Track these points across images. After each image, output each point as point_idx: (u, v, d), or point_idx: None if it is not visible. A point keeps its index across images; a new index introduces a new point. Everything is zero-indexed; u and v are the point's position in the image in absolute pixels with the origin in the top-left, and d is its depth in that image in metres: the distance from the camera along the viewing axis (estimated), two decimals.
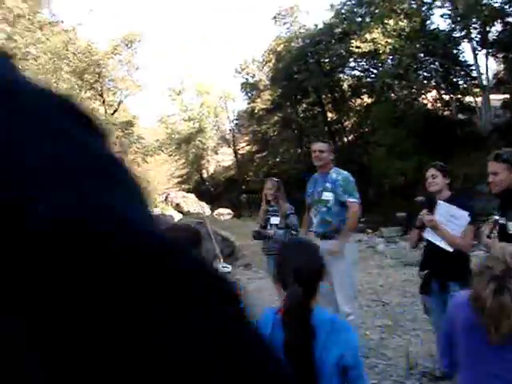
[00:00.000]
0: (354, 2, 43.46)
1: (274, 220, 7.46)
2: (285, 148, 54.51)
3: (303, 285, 2.45)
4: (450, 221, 4.77)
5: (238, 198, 51.47)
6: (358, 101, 49.42)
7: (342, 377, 2.47)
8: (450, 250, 4.55)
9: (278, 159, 53.83)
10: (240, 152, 66.09)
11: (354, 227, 6.14)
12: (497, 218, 4.13)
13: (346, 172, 6.20)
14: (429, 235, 5.01)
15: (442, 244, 4.82)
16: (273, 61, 52.71)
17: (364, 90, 47.16)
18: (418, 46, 37.83)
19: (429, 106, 43.31)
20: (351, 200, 5.98)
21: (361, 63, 45.58)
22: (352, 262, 6.04)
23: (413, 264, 11.33)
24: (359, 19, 42.80)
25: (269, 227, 7.47)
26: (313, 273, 2.55)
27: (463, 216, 4.72)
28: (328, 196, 6.01)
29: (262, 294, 9.97)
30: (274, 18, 51.45)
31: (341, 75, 48.92)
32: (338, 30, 43.67)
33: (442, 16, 38.66)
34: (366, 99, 47.82)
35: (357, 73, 47.96)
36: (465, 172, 36.23)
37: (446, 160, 32.60)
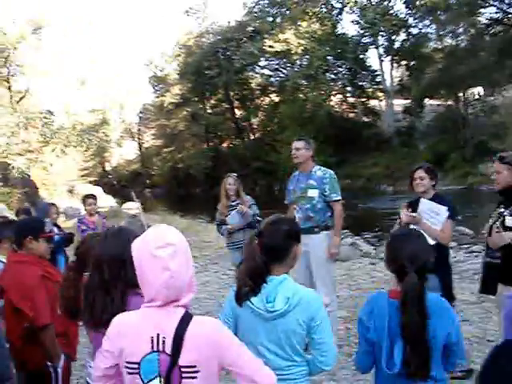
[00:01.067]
0: (266, 2, 43.98)
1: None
2: (191, 143, 54.32)
3: (418, 272, 2.66)
4: (431, 217, 5.07)
5: (142, 192, 50.82)
6: (267, 99, 50.03)
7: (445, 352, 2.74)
8: (432, 242, 4.81)
9: (183, 154, 53.46)
10: (145, 146, 65.19)
11: (342, 224, 6.28)
12: (502, 210, 4.44)
13: (330, 170, 6.34)
14: None
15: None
16: (183, 55, 52.22)
17: (273, 89, 47.82)
18: (328, 49, 38.80)
19: (336, 107, 44.54)
20: (337, 198, 6.17)
21: (271, 62, 46.08)
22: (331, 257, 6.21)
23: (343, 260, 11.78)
24: (271, 19, 43.40)
25: None
26: (425, 260, 2.74)
27: (443, 211, 5.05)
28: (313, 193, 6.12)
29: (208, 288, 10.13)
30: (186, 11, 51.09)
31: (250, 73, 49.30)
32: (250, 28, 44.04)
33: (352, 22, 39.94)
34: (274, 98, 48.50)
35: (266, 71, 48.53)
36: (369, 172, 37.66)
37: (351, 160, 33.98)
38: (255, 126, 52.13)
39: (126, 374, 2.16)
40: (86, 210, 8.60)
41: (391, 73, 42.36)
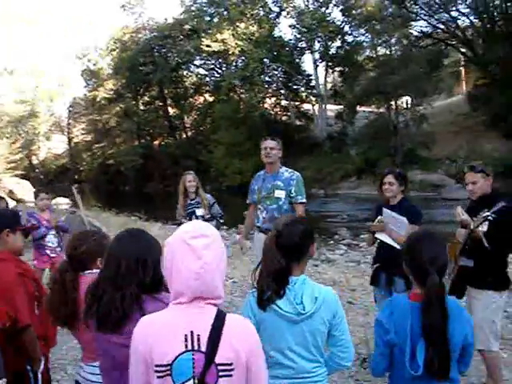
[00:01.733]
0: (204, 1, 43.77)
1: (200, 212, 7.41)
2: (123, 139, 53.45)
3: (438, 273, 2.69)
4: (395, 222, 5.11)
5: (70, 188, 49.57)
6: (201, 98, 49.84)
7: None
8: (398, 247, 4.84)
9: (114, 150, 52.56)
10: (74, 140, 63.71)
11: None
12: (487, 214, 4.45)
13: (297, 172, 6.28)
14: (381, 235, 5.32)
15: (392, 242, 5.13)
16: (117, 50, 51.29)
17: (207, 89, 47.68)
18: (264, 51, 38.97)
19: (270, 109, 44.82)
20: (303, 201, 6.10)
21: (207, 62, 45.93)
22: None
23: None
24: (208, 18, 43.24)
25: (194, 219, 7.23)
26: (444, 262, 2.78)
27: (403, 221, 5.08)
28: (280, 194, 6.04)
29: None
30: (123, 6, 50.16)
31: (186, 72, 49.00)
32: (187, 27, 43.75)
33: (290, 26, 40.23)
34: (209, 97, 48.35)
35: (202, 71, 48.35)
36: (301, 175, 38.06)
37: (283, 163, 34.00)
38: (188, 125, 51.85)
39: (155, 379, 2.06)
40: (36, 205, 8.13)
41: (325, 78, 43.06)
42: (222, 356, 2.02)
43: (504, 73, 37.74)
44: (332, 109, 43.31)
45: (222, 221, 7.53)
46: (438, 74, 38.72)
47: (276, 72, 43.52)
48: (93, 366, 3.00)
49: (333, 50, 41.50)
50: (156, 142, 52.89)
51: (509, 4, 37.71)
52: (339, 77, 43.82)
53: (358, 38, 40.76)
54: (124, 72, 47.23)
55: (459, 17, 40.62)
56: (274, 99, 44.54)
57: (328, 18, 39.40)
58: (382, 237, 5.30)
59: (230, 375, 2.03)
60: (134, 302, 2.46)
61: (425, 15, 41.13)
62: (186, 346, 2.03)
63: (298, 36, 40.33)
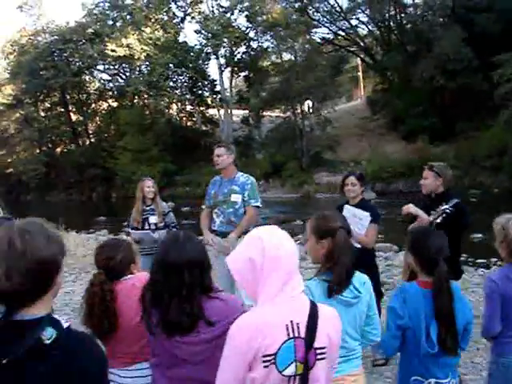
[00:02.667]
0: (107, 4, 42.98)
1: (153, 219, 7.30)
2: (24, 147, 51.37)
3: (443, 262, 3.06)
4: (356, 222, 5.35)
5: None
6: (105, 104, 48.87)
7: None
8: (358, 246, 5.11)
9: (15, 159, 50.42)
10: None
11: (247, 226, 6.16)
12: (446, 207, 4.90)
13: (252, 177, 6.47)
14: None
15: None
16: (15, 53, 49.28)
17: (111, 94, 46.84)
18: (170, 56, 38.77)
19: (176, 115, 44.65)
20: (255, 204, 6.26)
21: (112, 67, 45.07)
22: None
23: None
24: (111, 22, 42.51)
25: (147, 226, 7.29)
26: (448, 252, 3.15)
27: (366, 216, 5.41)
28: (236, 198, 6.20)
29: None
30: (20, 7, 48.25)
31: (88, 77, 47.90)
32: (90, 31, 42.75)
33: (195, 32, 40.22)
34: (112, 103, 47.51)
35: (105, 76, 47.44)
36: (208, 179, 37.90)
37: (190, 168, 34.07)
38: (92, 132, 50.65)
39: (261, 369, 2.18)
40: None
41: (231, 83, 43.36)
42: (319, 341, 2.21)
43: (401, 79, 39.59)
44: (238, 114, 43.68)
45: (174, 230, 7.26)
46: (340, 79, 40.07)
47: (181, 77, 43.44)
48: (128, 370, 3.15)
49: (238, 56, 41.88)
50: (58, 150, 51.22)
51: (402, 15, 39.59)
52: (244, 82, 44.27)
53: (263, 44, 41.42)
54: (23, 77, 45.41)
55: (359, 25, 42.33)
56: (179, 105, 44.33)
57: (234, 24, 39.74)
58: None
59: (324, 358, 2.23)
60: (200, 305, 2.54)
61: (326, 22, 42.56)
62: (288, 335, 2.19)
63: (204, 41, 40.33)
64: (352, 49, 44.63)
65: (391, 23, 40.54)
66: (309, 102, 37.65)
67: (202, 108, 44.78)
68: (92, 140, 49.93)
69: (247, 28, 40.49)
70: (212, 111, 44.62)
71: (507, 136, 28.50)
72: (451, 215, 4.83)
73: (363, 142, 38.05)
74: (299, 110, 37.74)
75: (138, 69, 42.39)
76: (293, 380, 2.20)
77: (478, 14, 32.89)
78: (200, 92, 44.66)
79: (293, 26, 36.31)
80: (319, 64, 36.81)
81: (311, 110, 37.51)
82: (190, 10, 41.73)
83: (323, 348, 2.23)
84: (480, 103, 33.42)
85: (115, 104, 46.24)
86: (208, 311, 2.53)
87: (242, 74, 42.94)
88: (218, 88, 43.54)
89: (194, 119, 45.28)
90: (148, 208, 7.36)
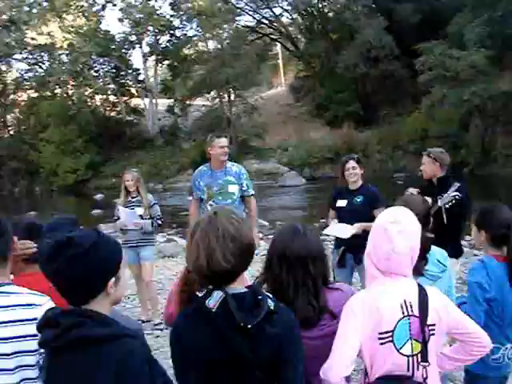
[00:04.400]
0: None
1: (139, 211, 7.27)
2: None
3: None
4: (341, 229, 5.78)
5: None
6: (24, 95, 47.10)
7: None
8: (346, 236, 5.56)
9: None
10: None
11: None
12: (456, 193, 5.24)
13: (240, 165, 6.60)
14: (327, 231, 5.92)
15: (338, 234, 5.80)
16: None
17: (30, 84, 45.12)
18: (94, 45, 37.80)
19: (100, 105, 43.69)
20: (253, 193, 6.40)
21: (30, 56, 43.28)
22: None
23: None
24: (27, 8, 40.70)
25: None
26: None
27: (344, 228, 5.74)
28: (233, 189, 6.23)
29: None
30: None
31: (4, 67, 45.92)
32: (5, 17, 40.81)
33: (119, 20, 39.38)
34: (33, 94, 45.84)
35: (24, 66, 45.56)
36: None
37: (117, 159, 33.55)
38: (10, 124, 48.73)
39: (377, 346, 2.38)
40: None
41: (155, 72, 42.84)
42: (430, 318, 2.41)
43: (324, 66, 40.36)
44: (163, 103, 43.24)
45: (159, 222, 7.41)
46: (265, 66, 40.38)
47: (104, 66, 42.49)
48: None
49: (163, 44, 41.33)
50: None
51: (325, 4, 40.32)
52: (169, 71, 43.82)
53: (188, 33, 41.01)
54: None
55: (283, 13, 42.76)
56: (103, 95, 43.31)
57: (158, 12, 39.19)
58: (328, 231, 5.82)
59: (434, 334, 2.43)
60: (325, 297, 2.56)
61: (250, 10, 42.77)
62: (403, 313, 2.38)
63: (128, 30, 39.54)
64: (275, 37, 45.02)
65: (314, 12, 41.11)
66: (239, 91, 37.62)
67: (125, 98, 43.92)
68: (11, 132, 48.05)
69: (171, 16, 40.02)
70: (136, 101, 43.87)
71: (429, 122, 29.69)
72: (462, 201, 5.21)
73: (288, 128, 38.55)
74: (226, 98, 37.75)
75: (59, 58, 40.96)
76: (411, 359, 2.39)
77: (398, 3, 33.99)
78: (123, 81, 43.79)
79: (218, 14, 36.24)
80: (245, 52, 36.90)
81: (239, 98, 37.58)
82: None
83: (433, 325, 2.42)
84: (401, 90, 34.65)
85: (35, 95, 44.53)
86: (330, 303, 2.54)
87: (166, 62, 42.41)
88: (142, 77, 42.91)
89: (117, 109, 44.37)
90: (134, 200, 7.37)
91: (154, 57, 41.34)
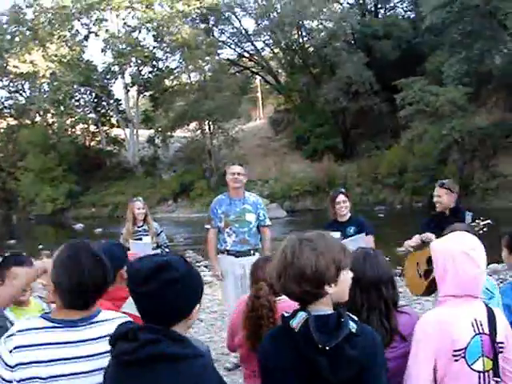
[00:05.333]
0: (6, 18, 40.99)
1: (147, 239, 7.24)
2: None
3: None
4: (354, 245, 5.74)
5: None
6: (3, 123, 46.85)
7: None
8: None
9: None
10: None
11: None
12: (488, 221, 5.39)
13: (257, 196, 6.71)
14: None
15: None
16: None
17: (12, 112, 44.93)
18: (76, 74, 37.90)
19: (81, 134, 43.62)
20: (269, 224, 6.46)
21: (11, 84, 43.19)
22: None
23: None
24: (9, 37, 40.66)
25: None
26: None
27: (360, 238, 5.80)
28: (251, 217, 6.24)
29: None
30: None
31: None
32: None
33: (102, 50, 39.61)
34: (12, 121, 45.59)
35: (4, 93, 45.40)
36: (115, 200, 37.44)
37: (96, 189, 33.30)
38: None
39: (451, 363, 2.45)
40: None
41: (137, 103, 42.98)
42: (498, 336, 2.50)
43: (304, 100, 40.89)
44: (144, 134, 43.29)
45: (167, 250, 7.44)
46: (246, 99, 40.73)
47: (85, 96, 42.58)
48: None
49: (145, 75, 41.52)
50: None
51: (306, 39, 40.99)
52: (150, 101, 43.99)
53: (171, 64, 41.30)
54: None
55: (265, 48, 43.36)
56: (84, 124, 43.25)
57: (142, 43, 39.52)
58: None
59: (502, 351, 2.51)
60: (396, 320, 2.67)
61: (231, 44, 43.35)
62: (475, 331, 2.47)
63: (111, 60, 39.73)
64: (256, 70, 45.59)
65: (295, 47, 41.74)
66: (223, 123, 37.75)
67: (106, 127, 43.90)
68: None
69: (154, 47, 40.37)
70: (117, 131, 43.88)
71: (407, 155, 30.14)
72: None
73: (268, 161, 38.78)
74: (207, 130, 37.89)
75: (40, 86, 40.94)
76: (483, 375, 2.46)
77: (377, 40, 34.78)
78: (104, 111, 43.87)
79: (201, 47, 36.65)
80: (226, 85, 37.24)
81: (220, 130, 37.76)
82: (94, 28, 40.98)
83: (502, 342, 2.51)
84: (380, 124, 35.22)
85: (14, 122, 44.30)
86: (400, 326, 2.64)
87: (148, 93, 42.60)
88: (123, 107, 42.99)
89: (97, 139, 44.34)
90: (140, 229, 7.35)
91: (135, 87, 41.50)
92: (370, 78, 33.80)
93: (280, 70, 45.19)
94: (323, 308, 2.11)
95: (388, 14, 40.90)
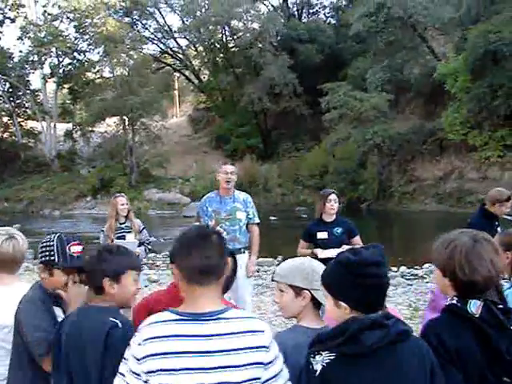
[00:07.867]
0: None
1: (130, 237, 7.11)
2: None
3: None
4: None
5: None
6: None
7: None
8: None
9: None
10: None
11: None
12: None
13: (246, 193, 6.64)
14: (324, 254, 5.79)
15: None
16: None
17: None
18: None
19: None
20: (258, 221, 6.49)
21: None
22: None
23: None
24: None
25: None
26: None
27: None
28: (241, 215, 6.28)
29: None
30: None
31: None
32: None
33: (19, 39, 38.13)
34: None
35: None
36: (30, 195, 36.26)
37: (9, 183, 32.25)
38: None
39: None
40: None
41: (56, 95, 41.60)
42: None
43: (226, 99, 41.09)
44: (62, 128, 41.92)
45: (149, 247, 7.41)
46: (163, 96, 40.31)
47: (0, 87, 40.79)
48: None
49: (65, 67, 40.23)
50: None
51: (230, 39, 41.19)
52: (69, 94, 42.77)
53: (94, 57, 40.31)
54: None
55: (189, 45, 43.20)
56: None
57: (64, 34, 38.29)
58: (326, 254, 5.73)
59: None
60: None
61: (155, 40, 42.94)
62: None
63: (30, 49, 38.17)
64: (179, 67, 45.35)
65: (219, 46, 41.80)
66: (146, 119, 37.08)
67: (20, 119, 42.10)
68: None
69: (76, 39, 39.24)
70: (33, 123, 42.20)
71: (328, 158, 30.88)
72: None
73: (188, 159, 38.73)
74: (129, 126, 37.23)
75: None
76: None
77: (301, 43, 35.45)
78: (18, 101, 42.09)
79: (127, 41, 36.08)
80: (151, 80, 36.85)
81: (143, 127, 37.18)
82: (10, 14, 39.39)
83: None
84: (302, 126, 35.93)
85: None
86: None
87: (68, 85, 41.36)
88: (40, 99, 41.52)
89: (11, 131, 42.48)
90: (123, 225, 7.21)
91: (54, 79, 40.13)
92: (293, 81, 34.39)
93: (202, 69, 45.17)
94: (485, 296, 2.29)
95: (310, 18, 41.78)
